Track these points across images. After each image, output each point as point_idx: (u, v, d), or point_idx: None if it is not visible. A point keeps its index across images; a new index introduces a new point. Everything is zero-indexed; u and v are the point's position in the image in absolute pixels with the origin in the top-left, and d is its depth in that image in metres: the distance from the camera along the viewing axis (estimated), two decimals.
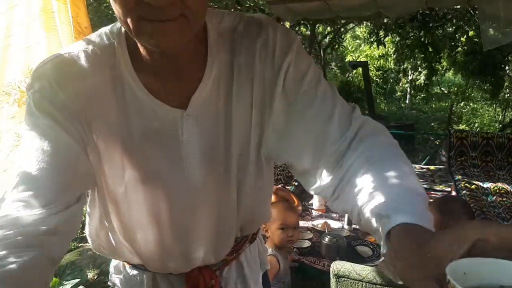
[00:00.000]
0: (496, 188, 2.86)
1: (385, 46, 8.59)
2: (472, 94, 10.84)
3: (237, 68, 0.65)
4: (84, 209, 0.72)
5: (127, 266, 0.83)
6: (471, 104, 10.40)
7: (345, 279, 1.29)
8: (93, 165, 0.65)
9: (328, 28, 8.11)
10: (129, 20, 0.51)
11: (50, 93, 0.60)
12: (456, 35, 6.90)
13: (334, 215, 2.50)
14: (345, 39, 10.71)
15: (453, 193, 2.80)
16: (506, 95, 8.41)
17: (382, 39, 7.35)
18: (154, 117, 0.64)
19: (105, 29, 0.65)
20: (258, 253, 0.91)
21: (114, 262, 0.86)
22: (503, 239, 0.33)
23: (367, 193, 0.52)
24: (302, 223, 2.33)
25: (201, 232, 0.74)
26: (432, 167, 3.64)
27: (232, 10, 4.13)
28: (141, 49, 0.61)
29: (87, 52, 0.62)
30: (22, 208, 0.55)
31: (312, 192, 0.69)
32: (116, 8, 0.52)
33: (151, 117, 0.64)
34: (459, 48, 7.13)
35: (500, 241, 0.32)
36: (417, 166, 3.69)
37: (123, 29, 0.62)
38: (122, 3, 0.50)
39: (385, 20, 6.33)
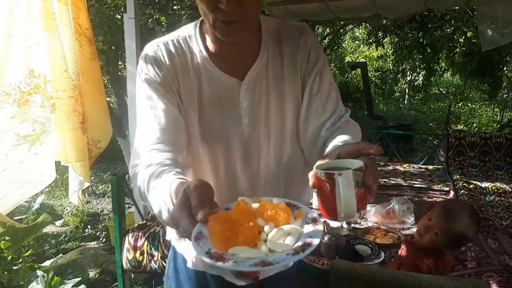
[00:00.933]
0: (494, 187, 2.87)
1: (383, 47, 8.60)
2: (470, 95, 10.85)
3: (286, 58, 0.90)
4: None
5: None
6: (469, 104, 10.42)
7: (345, 278, 1.30)
8: None
9: (327, 30, 8.12)
10: (210, 18, 0.78)
11: (154, 74, 0.86)
12: (455, 36, 6.91)
13: None
14: (344, 40, 10.71)
15: (452, 193, 2.82)
16: (504, 96, 8.44)
17: (381, 40, 7.36)
18: (220, 85, 0.88)
19: (187, 25, 0.92)
20: None
21: None
22: (349, 151, 0.69)
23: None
24: None
25: (248, 183, 0.94)
26: (430, 167, 3.66)
27: None
28: (212, 38, 0.87)
29: (173, 41, 0.89)
30: (155, 153, 0.80)
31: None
32: (201, 8, 0.79)
33: (217, 85, 0.88)
34: (458, 49, 7.15)
35: (348, 152, 0.68)
36: (415, 166, 3.70)
37: (198, 24, 0.90)
38: (206, 6, 0.77)
39: (384, 21, 6.34)
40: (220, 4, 0.74)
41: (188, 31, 0.90)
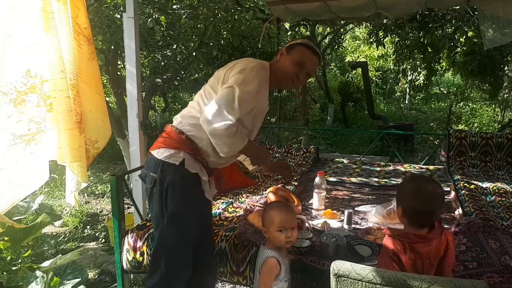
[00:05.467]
0: (495, 188, 2.86)
1: (384, 47, 8.58)
2: (471, 94, 10.85)
3: None
4: None
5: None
6: (470, 104, 10.42)
7: (345, 278, 1.29)
8: None
9: (328, 29, 8.10)
10: (293, 79, 1.72)
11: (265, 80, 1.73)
12: (456, 36, 6.89)
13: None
14: (344, 39, 10.70)
15: (452, 193, 2.80)
16: (505, 95, 8.42)
17: (382, 39, 7.34)
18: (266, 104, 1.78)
19: (262, 64, 1.69)
20: None
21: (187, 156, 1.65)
22: None
23: None
24: None
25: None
26: (431, 167, 3.65)
27: (232, 10, 4.13)
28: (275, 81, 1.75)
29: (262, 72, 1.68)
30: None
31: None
32: (287, 68, 1.71)
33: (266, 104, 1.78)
34: (458, 49, 7.13)
35: None
36: (416, 166, 3.69)
37: (268, 66, 1.73)
38: (294, 74, 1.71)
39: (385, 21, 6.33)
40: (299, 78, 1.71)
41: (265, 68, 1.70)
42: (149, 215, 2.48)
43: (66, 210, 3.99)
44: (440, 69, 8.89)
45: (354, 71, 10.13)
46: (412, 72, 9.50)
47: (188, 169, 1.57)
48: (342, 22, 6.70)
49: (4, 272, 2.24)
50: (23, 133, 1.60)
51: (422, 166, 3.69)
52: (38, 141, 1.63)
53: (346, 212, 2.28)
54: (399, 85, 11.65)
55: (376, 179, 3.23)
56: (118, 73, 4.60)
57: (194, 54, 4.35)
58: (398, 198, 1.56)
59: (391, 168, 3.62)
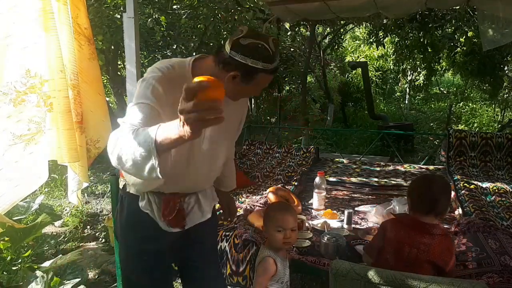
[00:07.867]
0: (495, 188, 2.86)
1: (384, 47, 8.59)
2: (471, 94, 10.86)
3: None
4: None
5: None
6: (470, 104, 10.42)
7: (344, 278, 1.30)
8: None
9: (328, 29, 8.11)
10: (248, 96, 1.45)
11: (160, 87, 1.14)
12: (455, 36, 6.90)
13: None
14: (344, 39, 10.71)
15: (452, 193, 2.81)
16: (505, 95, 8.43)
17: (382, 39, 7.34)
18: None
19: (177, 62, 1.23)
20: (211, 191, 1.53)
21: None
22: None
23: None
24: None
25: (199, 177, 1.38)
26: (431, 167, 3.65)
27: (232, 10, 4.14)
28: None
29: (172, 73, 1.20)
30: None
31: None
32: (247, 93, 1.33)
33: None
34: (458, 49, 7.13)
35: None
36: (416, 166, 3.69)
37: (190, 65, 1.23)
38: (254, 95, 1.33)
39: (385, 21, 6.34)
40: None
41: (181, 67, 1.22)
42: None
43: (66, 210, 3.99)
44: (440, 69, 8.89)
45: (354, 71, 10.12)
46: (412, 72, 9.50)
47: None
48: (342, 22, 6.71)
49: (4, 272, 2.24)
50: (23, 133, 1.60)
51: (422, 166, 3.69)
52: (37, 141, 1.63)
53: (346, 212, 2.29)
54: (399, 85, 11.65)
55: (376, 179, 3.24)
56: (118, 73, 4.61)
57: (194, 54, 4.36)
58: (408, 193, 1.63)
59: (391, 168, 3.62)
